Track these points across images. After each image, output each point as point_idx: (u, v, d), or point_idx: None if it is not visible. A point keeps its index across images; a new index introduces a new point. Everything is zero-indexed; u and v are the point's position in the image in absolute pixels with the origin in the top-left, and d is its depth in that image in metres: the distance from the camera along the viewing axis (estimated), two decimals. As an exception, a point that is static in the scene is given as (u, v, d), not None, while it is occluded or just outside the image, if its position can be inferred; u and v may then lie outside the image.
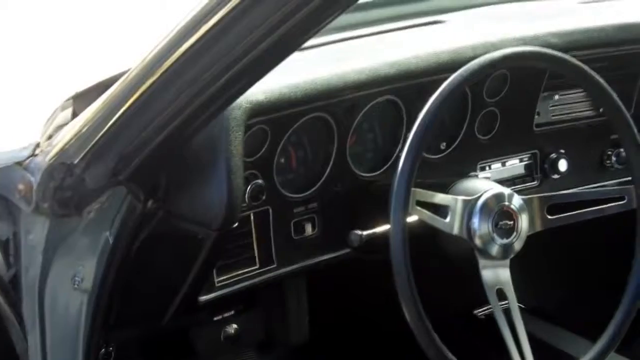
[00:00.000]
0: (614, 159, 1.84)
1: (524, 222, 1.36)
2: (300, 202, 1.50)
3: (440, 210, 1.31)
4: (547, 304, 2.02)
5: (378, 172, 1.57)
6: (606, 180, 1.84)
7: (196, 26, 1.01)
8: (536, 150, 1.76)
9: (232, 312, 1.71)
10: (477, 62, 1.29)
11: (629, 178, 1.41)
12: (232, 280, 1.44)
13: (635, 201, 1.40)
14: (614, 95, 1.37)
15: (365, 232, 1.44)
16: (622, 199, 1.40)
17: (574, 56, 1.63)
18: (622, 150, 1.82)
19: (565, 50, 1.62)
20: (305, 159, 1.51)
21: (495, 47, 1.55)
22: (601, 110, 1.81)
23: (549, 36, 1.65)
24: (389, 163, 1.57)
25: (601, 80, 1.37)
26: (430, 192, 1.30)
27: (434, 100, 1.26)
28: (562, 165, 1.76)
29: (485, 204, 1.33)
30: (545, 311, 1.87)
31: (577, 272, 2.08)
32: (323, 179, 1.51)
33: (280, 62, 1.05)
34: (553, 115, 1.79)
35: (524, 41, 1.61)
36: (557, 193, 1.39)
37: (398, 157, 1.47)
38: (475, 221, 1.32)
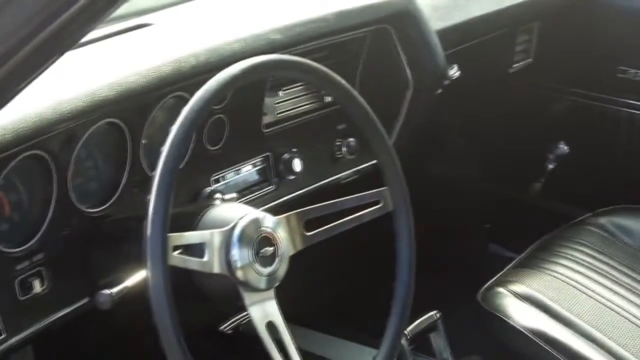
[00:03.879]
0: (344, 149, 1.79)
1: (284, 244, 1.25)
2: (23, 257, 1.27)
3: (196, 248, 1.16)
4: (321, 316, 1.95)
5: (107, 205, 1.38)
6: (341, 173, 1.79)
7: None
8: (268, 153, 1.66)
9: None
10: (217, 80, 1.14)
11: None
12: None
13: (390, 204, 1.34)
14: (365, 105, 1.30)
15: (115, 290, 1.25)
16: (377, 202, 1.34)
17: (297, 49, 1.56)
18: (351, 140, 1.78)
19: (289, 45, 1.53)
20: (20, 205, 1.29)
21: (217, 52, 1.44)
22: (328, 100, 1.74)
23: (271, 33, 1.53)
24: (118, 193, 1.39)
25: (347, 86, 1.28)
26: (185, 234, 1.14)
27: (176, 133, 1.10)
28: (297, 164, 1.67)
29: (242, 233, 1.20)
30: (319, 324, 1.80)
31: (343, 280, 2.05)
32: (46, 224, 1.30)
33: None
34: (279, 114, 1.70)
35: (246, 42, 1.49)
36: (313, 207, 1.29)
37: (126, 186, 1.32)
38: (235, 253, 1.19)
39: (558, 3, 2.19)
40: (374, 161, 1.82)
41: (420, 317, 1.69)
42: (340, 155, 1.79)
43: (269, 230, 1.23)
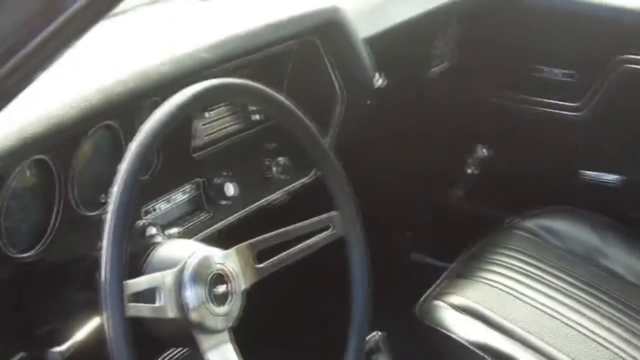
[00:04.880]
0: (274, 169, 1.72)
1: (238, 280, 1.18)
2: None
3: (147, 294, 1.08)
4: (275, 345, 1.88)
5: (39, 248, 1.28)
6: (272, 193, 1.72)
7: None
8: (199, 179, 1.57)
9: None
10: (165, 112, 1.06)
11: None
12: None
13: (341, 229, 1.29)
14: (314, 131, 1.25)
15: (64, 347, 1.16)
16: (327, 228, 1.29)
17: (228, 69, 1.50)
18: (280, 159, 1.72)
19: (217, 63, 1.47)
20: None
21: (147, 76, 1.36)
22: (256, 118, 1.68)
23: (199, 52, 1.46)
24: (48, 234, 1.29)
25: (297, 111, 1.23)
26: (140, 280, 1.06)
27: (126, 171, 1.02)
28: (229, 189, 1.59)
29: (195, 272, 1.13)
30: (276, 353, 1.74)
31: (297, 307, 1.99)
32: None
33: None
34: (207, 136, 1.62)
35: (174, 63, 1.41)
36: (263, 237, 1.23)
37: (58, 226, 1.26)
38: (188, 295, 1.11)
39: (473, 6, 2.18)
40: (307, 180, 1.79)
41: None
42: (270, 175, 1.72)
43: (221, 266, 1.16)
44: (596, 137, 2.18)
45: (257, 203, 1.69)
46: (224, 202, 1.59)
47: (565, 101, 2.19)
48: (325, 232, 1.29)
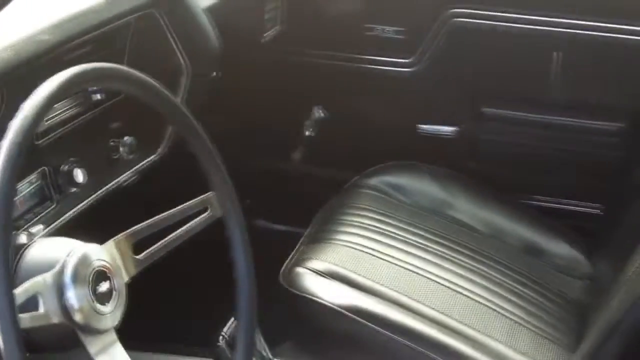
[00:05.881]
0: (121, 149, 1.63)
1: (119, 275, 1.11)
2: None
3: (28, 301, 0.99)
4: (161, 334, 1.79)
5: None
6: (122, 174, 1.64)
7: None
8: (45, 167, 1.46)
9: None
10: (32, 105, 0.97)
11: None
12: None
13: (219, 209, 1.24)
14: (185, 111, 1.20)
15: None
16: (205, 210, 1.23)
17: (67, 49, 1.40)
18: (127, 139, 1.63)
19: (59, 44, 1.37)
20: None
21: None
22: (98, 98, 1.58)
23: (39, 34, 1.35)
24: None
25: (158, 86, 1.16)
26: (26, 286, 0.97)
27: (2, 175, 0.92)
28: (78, 175, 1.49)
29: (75, 272, 1.04)
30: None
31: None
32: None
33: None
34: (48, 121, 1.50)
35: (16, 47, 1.30)
36: (140, 227, 1.16)
37: None
38: (72, 296, 1.03)
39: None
40: (155, 157, 1.72)
41: (232, 316, 1.60)
42: (117, 157, 1.63)
43: (101, 262, 1.08)
44: (431, 91, 2.21)
45: (107, 186, 1.60)
46: (73, 190, 1.49)
47: (399, 58, 2.21)
48: (203, 215, 1.23)
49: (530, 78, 2.12)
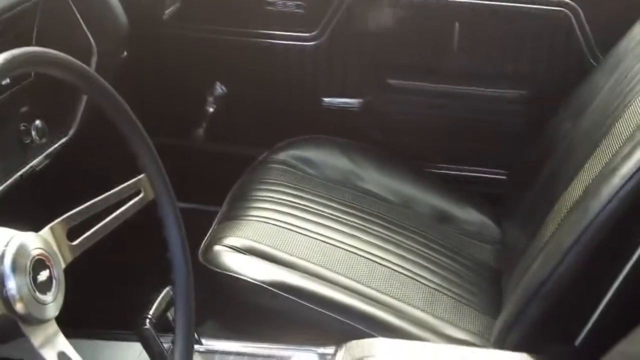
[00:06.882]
0: (33, 133, 1.59)
1: (58, 263, 1.08)
2: None
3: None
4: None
5: None
6: (35, 159, 1.59)
7: None
8: None
9: None
10: None
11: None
12: None
13: (151, 192, 1.22)
14: (114, 93, 1.18)
15: None
16: (138, 193, 1.21)
17: None
18: (37, 122, 1.59)
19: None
20: None
21: None
22: (6, 82, 1.53)
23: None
24: None
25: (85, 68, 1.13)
26: None
27: None
28: (-8, 161, 1.45)
29: (14, 261, 1.01)
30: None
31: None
32: None
33: None
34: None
35: None
36: (74, 212, 1.12)
37: None
38: (12, 287, 1.00)
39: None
40: (66, 140, 1.68)
41: (157, 297, 1.58)
42: (28, 141, 1.58)
43: (39, 250, 1.06)
44: (334, 64, 2.23)
45: (19, 172, 1.55)
46: (-11, 178, 1.45)
47: (300, 32, 2.21)
48: (136, 198, 1.21)
49: (432, 48, 2.16)
